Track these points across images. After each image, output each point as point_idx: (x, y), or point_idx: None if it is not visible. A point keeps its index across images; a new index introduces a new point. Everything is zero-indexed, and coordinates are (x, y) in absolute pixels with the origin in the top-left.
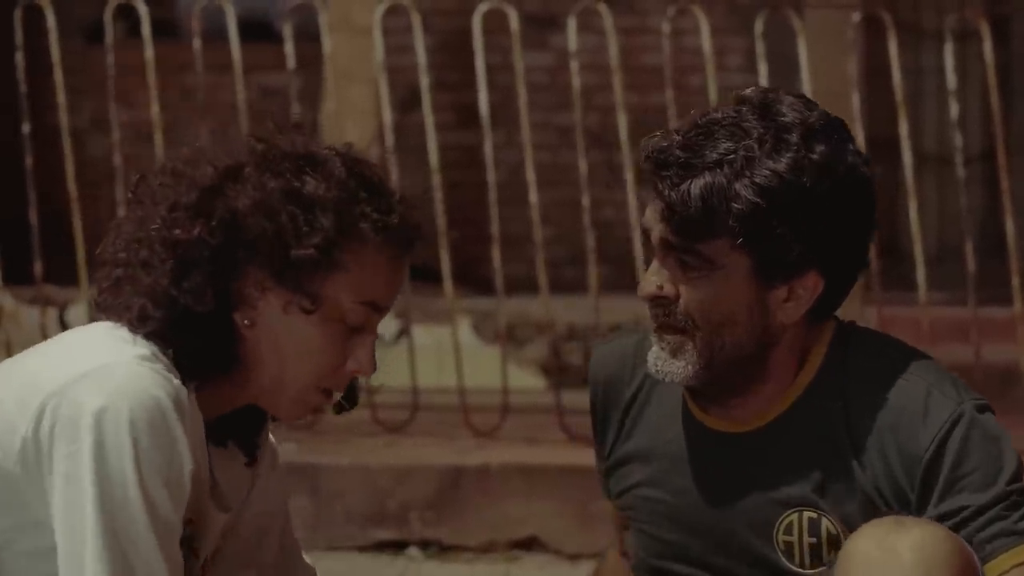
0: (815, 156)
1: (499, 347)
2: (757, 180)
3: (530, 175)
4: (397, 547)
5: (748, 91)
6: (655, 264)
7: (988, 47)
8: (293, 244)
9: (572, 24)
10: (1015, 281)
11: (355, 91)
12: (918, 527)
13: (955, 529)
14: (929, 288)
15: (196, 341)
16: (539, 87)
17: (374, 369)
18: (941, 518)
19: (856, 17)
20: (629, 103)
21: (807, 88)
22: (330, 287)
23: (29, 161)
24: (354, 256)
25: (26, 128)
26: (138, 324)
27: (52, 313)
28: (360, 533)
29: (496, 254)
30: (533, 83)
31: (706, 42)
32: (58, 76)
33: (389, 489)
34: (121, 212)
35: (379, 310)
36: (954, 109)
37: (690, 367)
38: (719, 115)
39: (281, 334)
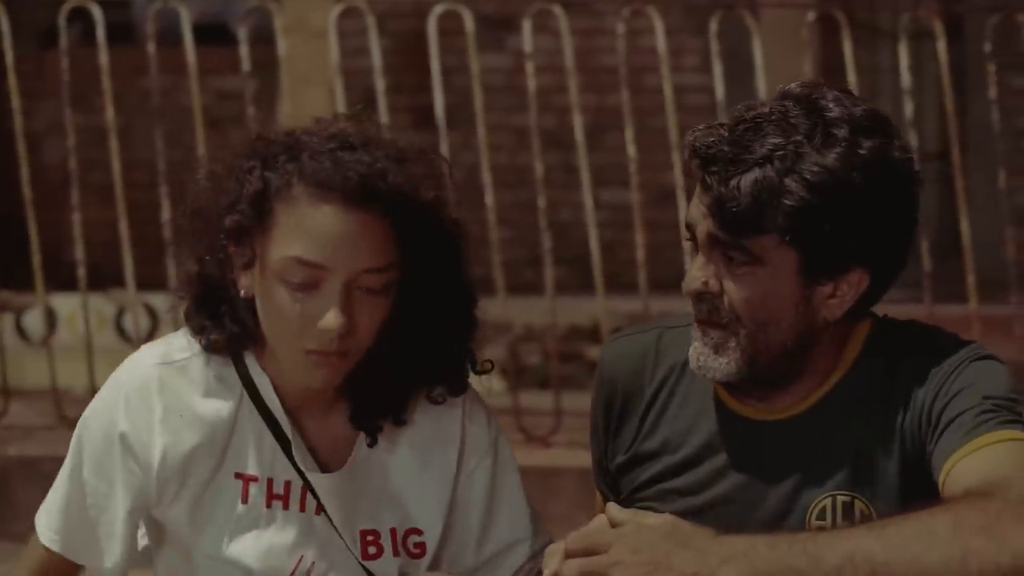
0: (863, 151)
1: None
2: (807, 176)
3: (486, 177)
4: None
5: (792, 86)
6: (700, 259)
7: (942, 46)
8: (227, 213)
9: (527, 26)
10: (970, 279)
11: (311, 93)
12: None
13: (942, 439)
14: None
15: (219, 317)
16: (496, 88)
17: (336, 325)
18: (939, 440)
19: (811, 16)
20: (586, 104)
21: (762, 88)
22: (264, 245)
23: None
24: (283, 212)
25: None
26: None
27: (8, 319)
28: None
29: None
30: (490, 85)
31: (661, 43)
32: (12, 81)
33: None
34: (77, 218)
35: (312, 266)
36: (908, 108)
37: (732, 364)
38: (765, 110)
39: (260, 299)
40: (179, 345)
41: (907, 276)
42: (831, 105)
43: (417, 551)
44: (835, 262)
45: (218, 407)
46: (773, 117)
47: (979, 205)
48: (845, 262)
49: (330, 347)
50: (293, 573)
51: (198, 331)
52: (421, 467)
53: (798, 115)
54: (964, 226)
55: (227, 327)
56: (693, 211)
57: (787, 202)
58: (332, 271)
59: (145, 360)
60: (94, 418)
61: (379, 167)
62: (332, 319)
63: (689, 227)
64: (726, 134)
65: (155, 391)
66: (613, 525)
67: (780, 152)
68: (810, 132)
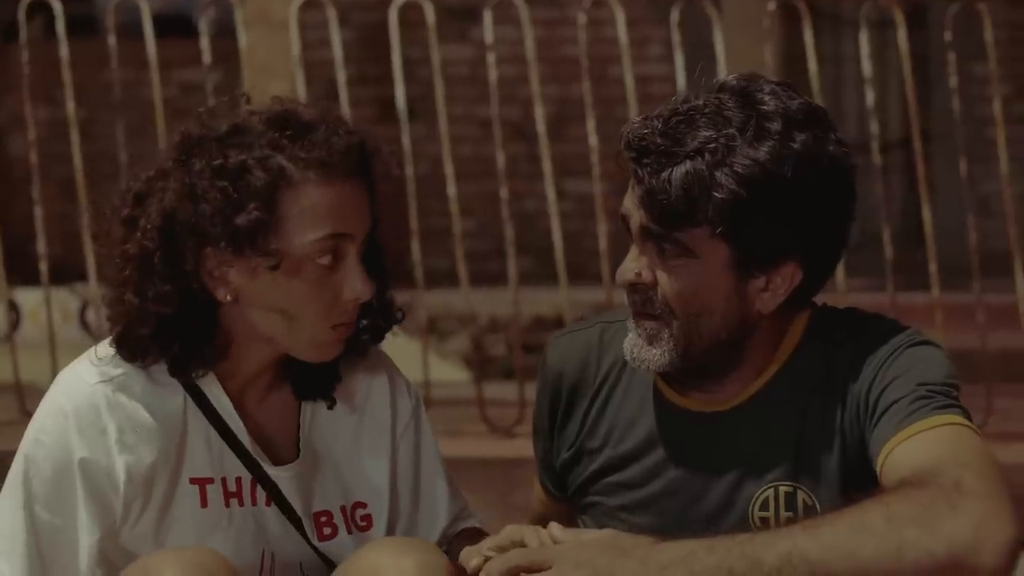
0: (796, 146)
1: (421, 340)
2: (738, 169)
3: (448, 168)
4: None
5: (729, 78)
6: (634, 251)
7: (903, 34)
8: (233, 215)
9: (488, 16)
10: (932, 267)
11: (273, 86)
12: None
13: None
14: (848, 275)
15: (186, 337)
16: (460, 80)
17: (369, 290)
18: (876, 428)
19: (771, 6)
20: (551, 95)
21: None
22: (284, 238)
23: None
24: (293, 201)
25: None
26: (117, 344)
27: None
28: None
29: (415, 247)
30: (455, 76)
31: (622, 33)
32: None
33: None
34: (38, 211)
35: (340, 237)
36: (870, 97)
37: (666, 355)
38: (700, 102)
39: (265, 295)
40: (108, 359)
41: (870, 264)
42: (767, 98)
43: (364, 524)
44: (767, 256)
45: (166, 415)
46: (707, 110)
47: (942, 193)
48: (778, 256)
49: (353, 316)
50: (262, 567)
51: (145, 352)
52: (358, 440)
53: (732, 108)
54: (926, 214)
55: (197, 345)
56: (627, 203)
57: (717, 195)
58: (354, 237)
59: (85, 381)
60: (40, 451)
61: (352, 138)
62: (365, 285)
63: (624, 219)
64: (659, 126)
65: (104, 411)
66: (555, 543)
67: (712, 145)
68: (743, 125)
